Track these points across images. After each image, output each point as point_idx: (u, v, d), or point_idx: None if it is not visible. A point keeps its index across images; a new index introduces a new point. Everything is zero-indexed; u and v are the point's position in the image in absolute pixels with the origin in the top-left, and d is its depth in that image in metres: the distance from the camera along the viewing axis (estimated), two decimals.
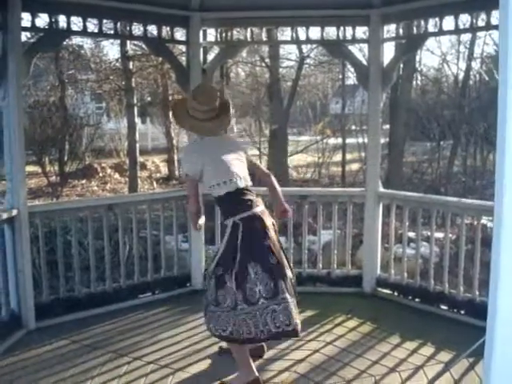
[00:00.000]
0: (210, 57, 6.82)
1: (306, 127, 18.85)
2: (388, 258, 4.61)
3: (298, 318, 3.01)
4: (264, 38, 5.04)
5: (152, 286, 4.54)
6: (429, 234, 4.58)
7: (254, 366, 3.10)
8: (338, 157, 13.64)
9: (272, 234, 3.04)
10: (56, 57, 13.01)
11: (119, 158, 16.14)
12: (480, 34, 11.93)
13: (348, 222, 4.68)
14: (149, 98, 18.05)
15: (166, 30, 4.43)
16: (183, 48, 6.75)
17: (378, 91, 4.43)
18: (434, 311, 4.18)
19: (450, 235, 4.54)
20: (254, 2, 4.48)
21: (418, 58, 13.21)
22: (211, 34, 4.72)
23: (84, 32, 4.18)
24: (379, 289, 4.59)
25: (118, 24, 4.19)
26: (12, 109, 3.64)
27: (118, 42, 12.73)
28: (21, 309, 3.82)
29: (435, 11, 4.02)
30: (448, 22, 4.07)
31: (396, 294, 4.49)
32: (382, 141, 7.06)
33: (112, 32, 4.34)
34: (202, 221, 3.24)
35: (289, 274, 3.06)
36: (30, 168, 11.15)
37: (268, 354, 3.45)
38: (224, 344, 3.39)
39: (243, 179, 3.08)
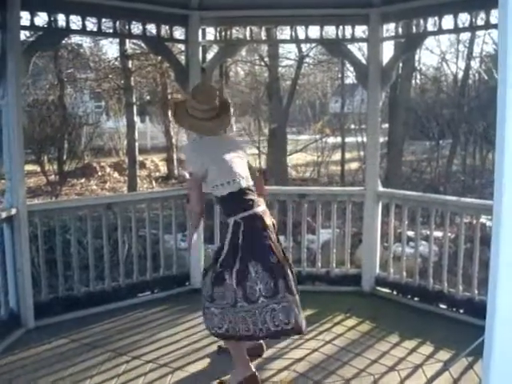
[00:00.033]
0: (209, 56, 6.79)
1: (305, 126, 18.88)
2: (387, 257, 4.61)
3: (301, 316, 3.01)
4: (263, 37, 5.04)
5: (151, 284, 4.54)
6: (428, 232, 4.58)
7: (250, 362, 3.11)
8: (337, 156, 13.66)
9: (272, 233, 3.05)
10: (55, 55, 13.02)
11: (118, 156, 16.15)
12: (479, 33, 11.94)
13: (347, 221, 4.68)
14: (148, 97, 18.04)
15: (165, 29, 4.43)
16: (182, 47, 6.73)
17: (378, 90, 4.43)
18: (433, 310, 4.18)
19: (449, 234, 4.54)
20: (254, 0, 4.48)
21: (417, 57, 13.25)
22: (210, 32, 4.71)
23: (83, 31, 4.17)
24: (378, 288, 4.59)
25: (117, 23, 4.19)
26: (11, 107, 3.64)
27: (117, 40, 12.73)
28: (20, 308, 3.82)
29: (434, 10, 4.02)
30: (447, 21, 4.08)
31: (395, 292, 4.50)
32: (382, 140, 7.08)
33: (111, 31, 4.33)
34: (195, 237, 3.37)
35: (290, 272, 3.06)
36: (28, 167, 11.13)
37: (267, 353, 3.45)
38: (223, 343, 3.39)
39: (245, 179, 3.09)
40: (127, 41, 12.18)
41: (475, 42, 12.82)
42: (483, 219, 4.47)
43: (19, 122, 3.75)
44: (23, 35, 4.52)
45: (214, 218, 4.57)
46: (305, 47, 12.77)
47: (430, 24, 4.16)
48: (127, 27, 4.28)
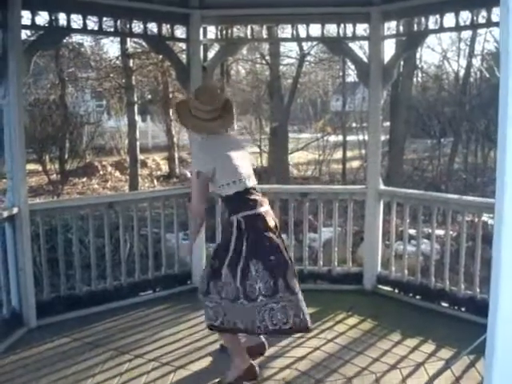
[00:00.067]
0: (211, 54, 6.83)
1: (306, 125, 18.85)
2: (389, 256, 4.61)
3: (305, 313, 3.02)
4: (264, 36, 5.03)
5: (153, 283, 4.54)
6: (429, 231, 4.58)
7: (251, 359, 3.14)
8: (338, 154, 13.63)
9: (274, 233, 3.05)
10: (56, 55, 13.01)
11: (120, 155, 16.14)
12: (481, 31, 11.93)
13: (349, 220, 4.68)
14: (149, 96, 18.05)
15: (166, 28, 4.42)
16: (183, 45, 6.73)
17: (379, 88, 4.42)
18: (435, 308, 4.18)
19: (451, 232, 4.53)
20: None
21: (418, 55, 13.18)
22: (211, 31, 4.73)
23: (84, 30, 4.16)
24: (380, 286, 4.59)
25: (118, 22, 4.18)
26: (12, 107, 3.64)
27: (118, 39, 12.72)
28: (22, 307, 3.83)
29: (436, 8, 4.02)
30: (448, 19, 4.07)
31: (397, 291, 4.50)
32: (383, 138, 7.06)
33: (112, 30, 4.32)
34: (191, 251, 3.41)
35: (291, 271, 3.06)
36: (30, 166, 11.17)
37: (269, 352, 3.45)
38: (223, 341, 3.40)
39: (251, 179, 3.11)
40: (128, 40, 12.19)
41: (477, 39, 12.81)
42: (485, 217, 4.45)
43: (21, 121, 3.75)
44: (24, 34, 4.51)
45: (215, 217, 4.57)
46: (306, 45, 12.77)
47: (432, 22, 4.15)
48: (128, 26, 4.28)
